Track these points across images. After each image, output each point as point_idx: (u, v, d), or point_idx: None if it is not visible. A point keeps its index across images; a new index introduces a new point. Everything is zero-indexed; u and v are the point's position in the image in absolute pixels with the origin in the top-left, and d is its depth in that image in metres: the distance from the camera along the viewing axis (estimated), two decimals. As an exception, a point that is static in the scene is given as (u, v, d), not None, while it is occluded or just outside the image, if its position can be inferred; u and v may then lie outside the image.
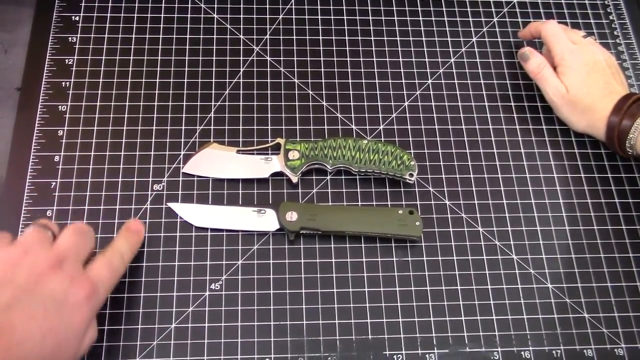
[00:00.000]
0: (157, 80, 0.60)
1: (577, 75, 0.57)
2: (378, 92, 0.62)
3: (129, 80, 0.60)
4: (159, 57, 0.62)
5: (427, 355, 0.51)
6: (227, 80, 0.61)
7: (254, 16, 0.65)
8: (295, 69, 0.62)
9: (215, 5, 0.65)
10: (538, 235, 0.56)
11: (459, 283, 0.53)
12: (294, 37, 0.64)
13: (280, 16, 0.65)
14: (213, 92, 0.60)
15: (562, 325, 0.52)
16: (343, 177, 0.57)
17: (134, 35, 0.62)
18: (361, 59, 0.63)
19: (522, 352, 0.51)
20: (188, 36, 0.63)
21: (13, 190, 0.55)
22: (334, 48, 0.64)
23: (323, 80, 0.62)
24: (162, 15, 0.64)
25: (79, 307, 0.42)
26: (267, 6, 0.65)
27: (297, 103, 0.60)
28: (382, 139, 0.59)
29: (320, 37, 0.64)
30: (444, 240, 0.55)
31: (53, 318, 0.40)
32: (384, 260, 0.54)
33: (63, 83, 0.60)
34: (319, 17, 0.65)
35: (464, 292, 0.53)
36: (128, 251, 0.49)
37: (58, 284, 0.41)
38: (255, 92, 0.61)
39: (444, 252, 0.55)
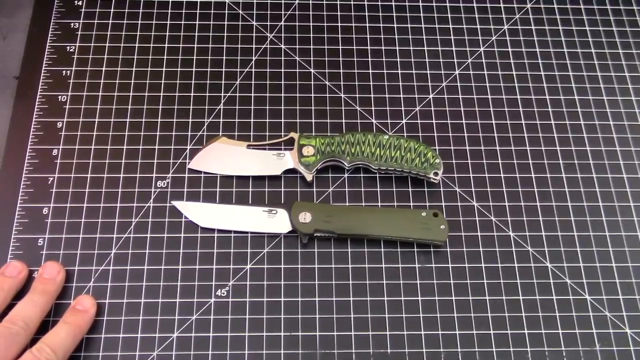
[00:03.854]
0: (164, 69, 0.57)
1: None
2: (401, 84, 0.57)
3: (134, 69, 0.57)
4: (166, 45, 0.58)
5: (451, 372, 0.47)
6: (238, 70, 0.57)
7: (268, 1, 0.60)
8: (312, 58, 0.58)
9: (227, -10, 0.61)
10: (575, 242, 0.51)
11: (487, 293, 0.49)
12: (311, 23, 0.60)
13: (297, 1, 0.61)
14: (223, 82, 0.56)
15: (601, 341, 0.48)
16: (362, 175, 0.53)
17: (139, 21, 0.59)
18: (383, 48, 0.59)
19: (557, 371, 0.47)
20: (197, 22, 0.59)
21: (8, 185, 0.51)
22: (354, 35, 0.59)
23: (341, 70, 0.57)
24: (170, 0, 0.60)
25: None
26: (282, -10, 0.61)
27: (312, 95, 0.56)
28: (405, 134, 0.55)
29: (339, 24, 0.60)
30: (472, 245, 0.51)
31: None
32: (405, 267, 0.50)
33: (64, 71, 0.56)
34: (338, 2, 0.61)
35: (492, 303, 0.49)
36: (69, 347, 0.44)
37: None
38: (268, 82, 0.57)
39: (471, 258, 0.50)
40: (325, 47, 0.58)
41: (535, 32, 0.60)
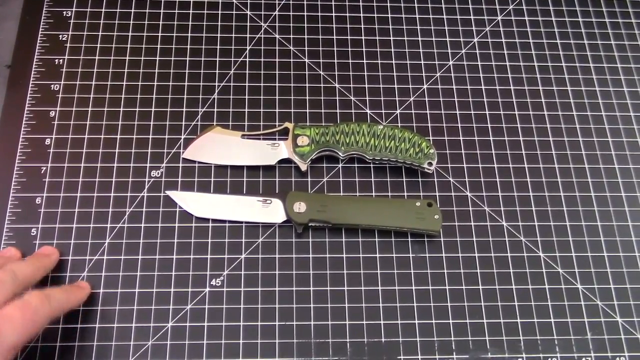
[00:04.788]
0: (157, 58, 0.56)
1: None
2: (395, 74, 0.57)
3: (127, 58, 0.56)
4: (160, 34, 0.57)
5: (445, 361, 0.47)
6: (232, 59, 0.57)
7: (262, -10, 0.60)
8: (306, 48, 0.58)
9: (221, -21, 0.60)
10: (567, 231, 0.52)
11: (480, 282, 0.49)
12: (305, 13, 0.59)
13: (291, -9, 0.60)
14: (217, 71, 0.56)
15: (592, 329, 0.48)
16: (356, 165, 0.53)
17: (132, 10, 0.58)
18: (377, 38, 0.59)
19: (549, 359, 0.47)
20: (191, 11, 0.59)
21: (1, 174, 0.51)
22: (348, 25, 0.59)
23: (336, 60, 0.57)
24: (164, -11, 0.60)
25: None
26: (277, -20, 0.61)
27: (307, 84, 0.56)
28: (399, 124, 0.55)
29: (333, 14, 0.59)
30: (465, 235, 0.51)
31: None
32: (399, 257, 0.50)
33: (56, 60, 0.56)
34: (332, -8, 0.61)
35: (485, 292, 0.49)
36: (61, 300, 0.43)
37: None
38: (262, 72, 0.57)
39: (465, 248, 0.51)
40: (320, 37, 0.58)
41: (529, 23, 0.60)
